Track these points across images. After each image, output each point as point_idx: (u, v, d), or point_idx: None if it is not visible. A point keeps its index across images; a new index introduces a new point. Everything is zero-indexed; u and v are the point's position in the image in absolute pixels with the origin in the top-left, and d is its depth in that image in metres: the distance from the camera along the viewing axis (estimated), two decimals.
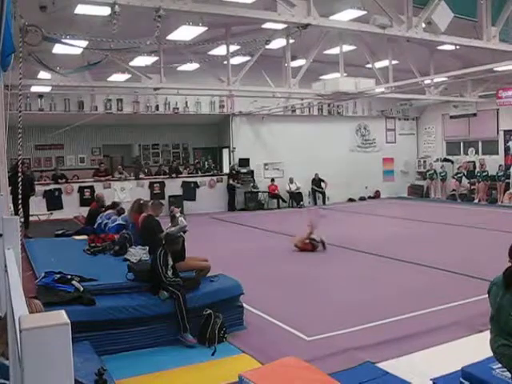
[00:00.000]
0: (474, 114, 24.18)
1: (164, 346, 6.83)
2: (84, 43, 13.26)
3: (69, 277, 7.04)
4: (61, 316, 1.13)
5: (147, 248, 8.79)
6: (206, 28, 14.04)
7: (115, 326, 6.64)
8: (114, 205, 12.63)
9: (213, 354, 6.63)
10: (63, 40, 11.72)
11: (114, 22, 7.47)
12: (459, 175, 24.74)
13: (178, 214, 8.59)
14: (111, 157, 24.08)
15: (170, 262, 7.37)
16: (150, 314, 6.88)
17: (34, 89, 17.03)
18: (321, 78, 19.79)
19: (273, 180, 23.69)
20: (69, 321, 1.11)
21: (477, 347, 6.32)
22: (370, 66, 17.58)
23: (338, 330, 7.45)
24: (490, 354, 5.08)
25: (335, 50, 17.29)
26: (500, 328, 4.07)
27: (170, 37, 14.34)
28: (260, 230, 17.44)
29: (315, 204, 24.40)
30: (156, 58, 15.99)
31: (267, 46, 15.46)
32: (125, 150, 24.45)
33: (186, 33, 14.34)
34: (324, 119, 25.16)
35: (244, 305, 7.81)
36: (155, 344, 6.81)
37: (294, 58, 17.17)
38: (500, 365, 4.60)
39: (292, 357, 5.95)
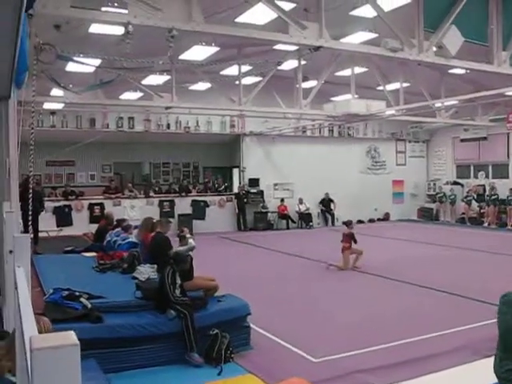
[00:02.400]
0: (485, 138, 24.15)
1: (170, 365, 6.80)
2: (97, 62, 13.42)
3: (77, 294, 7.04)
4: (70, 337, 1.14)
5: (155, 266, 8.79)
6: (218, 48, 14.16)
7: (122, 343, 6.62)
8: (120, 222, 12.66)
9: (219, 374, 6.60)
10: (76, 58, 11.89)
11: (128, 42, 7.55)
12: (469, 198, 24.64)
13: (188, 235, 8.60)
14: (121, 174, 24.18)
15: (178, 281, 7.37)
16: (157, 333, 6.86)
17: (47, 105, 17.19)
18: (332, 99, 19.87)
19: (282, 200, 23.69)
20: (78, 342, 1.13)
21: (483, 372, 6.24)
22: (381, 88, 17.62)
23: (345, 351, 7.41)
24: (495, 379, 5.01)
25: (347, 72, 17.37)
26: (508, 351, 3.95)
27: (183, 56, 14.47)
28: (269, 251, 17.40)
29: (326, 225, 24.36)
30: (168, 77, 16.14)
31: (279, 67, 15.59)
32: (135, 168, 24.57)
33: (198, 53, 14.47)
34: (334, 140, 25.20)
35: (251, 325, 7.77)
36: (162, 363, 6.78)
37: (305, 79, 17.25)
38: None
39: (298, 378, 5.92)
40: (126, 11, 7.28)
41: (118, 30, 9.57)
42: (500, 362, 4.01)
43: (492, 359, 6.15)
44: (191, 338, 6.84)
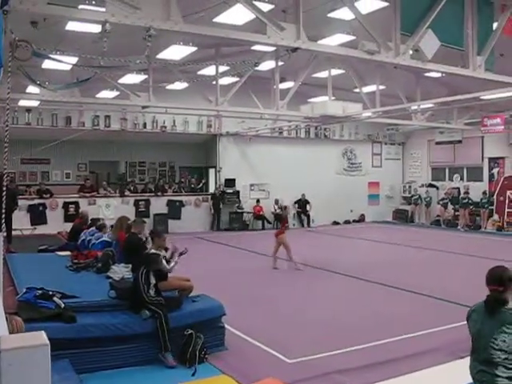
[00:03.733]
0: (460, 141, 24.45)
1: (144, 366, 6.77)
2: (74, 59, 13.28)
3: (50, 293, 6.97)
4: (41, 337, 1.13)
5: (130, 266, 8.73)
6: (195, 48, 14.11)
7: (95, 343, 6.57)
8: (95, 221, 12.57)
9: (193, 375, 6.58)
10: (53, 56, 11.76)
11: (105, 40, 7.50)
12: (445, 201, 24.92)
13: (176, 258, 8.22)
14: (97, 173, 24.00)
15: (153, 281, 7.34)
16: (131, 333, 6.83)
17: (22, 103, 17.00)
18: (309, 100, 19.94)
19: (258, 201, 23.72)
20: (48, 342, 1.12)
21: (457, 373, 6.35)
22: (357, 90, 17.74)
23: (320, 352, 7.45)
24: (470, 380, 5.09)
25: (324, 74, 17.45)
26: (478, 354, 4.11)
27: (160, 56, 14.39)
28: (244, 251, 17.42)
29: (301, 226, 24.44)
30: (145, 77, 16.06)
31: (256, 68, 15.58)
32: (111, 167, 24.40)
33: (175, 52, 14.40)
34: (311, 142, 25.30)
35: (226, 326, 7.77)
36: (135, 363, 6.76)
37: (282, 80, 17.31)
38: None
39: (272, 378, 5.94)
40: (103, 9, 7.22)
41: (96, 28, 9.51)
42: (473, 363, 4.17)
43: (465, 360, 6.29)
44: (165, 338, 6.82)
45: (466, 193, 23.71)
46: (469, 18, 9.81)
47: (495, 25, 10.28)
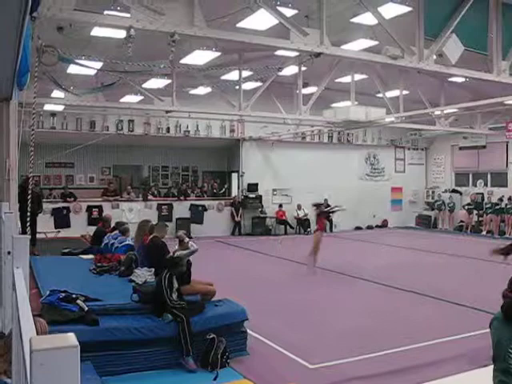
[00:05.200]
0: (484, 146, 24.19)
1: (166, 370, 6.80)
2: (99, 64, 13.43)
3: (73, 296, 7.03)
4: (70, 339, 1.15)
5: (153, 270, 8.78)
6: (219, 53, 14.20)
7: (118, 346, 6.62)
8: (118, 225, 12.65)
9: (215, 379, 6.60)
10: (78, 61, 11.91)
11: (129, 45, 7.58)
12: (469, 207, 24.66)
13: (186, 239, 8.59)
14: (120, 177, 24.19)
15: (175, 285, 7.37)
16: (153, 337, 6.86)
17: (47, 107, 17.21)
18: (332, 105, 19.90)
19: (281, 206, 23.70)
20: (78, 343, 1.14)
21: (481, 381, 6.27)
22: (381, 95, 17.66)
23: (342, 358, 7.42)
24: None
25: (347, 79, 17.40)
26: (498, 363, 3.99)
27: (184, 61, 14.50)
28: (266, 256, 17.41)
29: (324, 231, 24.28)
30: (169, 81, 16.17)
31: (279, 73, 15.61)
32: (134, 171, 24.58)
33: (199, 57, 14.51)
34: (334, 147, 25.23)
35: (248, 330, 7.77)
36: (157, 367, 6.79)
37: (305, 85, 17.27)
38: None
39: None
40: (128, 15, 7.30)
41: (120, 34, 9.60)
42: (494, 372, 4.05)
43: (488, 368, 6.20)
44: (187, 342, 6.84)
45: (501, 199, 23.44)
46: (493, 22, 9.74)
47: None
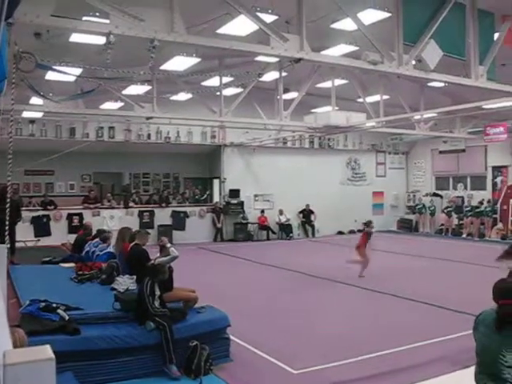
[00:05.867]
0: (463, 150, 24.45)
1: (149, 378, 6.74)
2: (78, 71, 13.32)
3: (54, 305, 6.96)
4: (45, 351, 1.12)
5: (135, 277, 8.73)
6: (199, 59, 14.16)
7: (100, 356, 6.55)
8: (99, 232, 12.55)
9: None
10: (56, 67, 11.79)
11: (109, 52, 7.52)
12: (449, 210, 24.88)
13: (168, 245, 8.55)
14: (101, 184, 24.01)
15: (158, 292, 7.32)
16: (136, 345, 6.80)
17: (26, 114, 17.03)
18: (312, 110, 19.96)
19: (263, 211, 23.70)
20: (53, 356, 1.11)
21: (463, 382, 6.32)
22: (361, 100, 17.76)
23: (325, 363, 7.41)
24: None
25: (327, 84, 17.47)
26: (485, 368, 3.94)
27: (164, 67, 14.43)
28: (249, 262, 17.38)
29: (306, 236, 24.42)
30: (149, 88, 16.10)
31: (260, 79, 15.62)
32: (115, 178, 24.42)
33: (179, 63, 14.44)
34: (315, 152, 25.32)
35: (231, 336, 7.75)
36: (140, 375, 6.73)
37: (286, 91, 17.33)
38: None
39: None
40: (107, 21, 7.25)
41: (100, 40, 9.54)
42: (479, 375, 4.02)
43: (470, 370, 6.24)
44: (170, 349, 6.79)
45: (481, 203, 23.70)
46: (470, 28, 9.84)
47: (496, 35, 10.30)
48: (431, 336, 8.56)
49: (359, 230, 26.28)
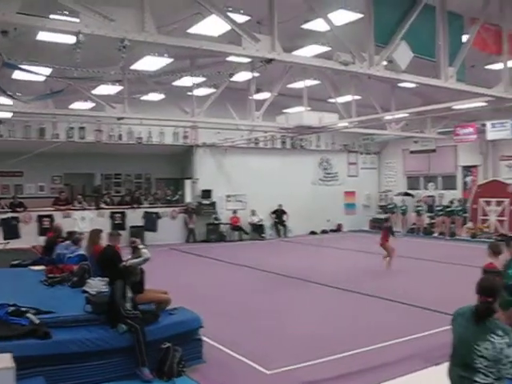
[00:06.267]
0: (434, 150, 24.72)
1: (121, 381, 6.66)
2: (47, 70, 13.13)
3: (23, 309, 6.84)
4: (6, 359, 1.08)
5: (106, 279, 8.62)
6: (171, 59, 14.08)
7: (71, 359, 6.46)
8: (70, 235, 12.38)
9: None
10: (23, 67, 11.60)
11: (78, 51, 7.42)
12: (419, 209, 25.15)
13: (140, 246, 8.47)
14: (72, 186, 23.70)
15: (129, 294, 7.26)
16: (108, 348, 6.72)
17: None
18: (285, 111, 19.99)
19: (235, 212, 23.67)
20: (13, 364, 1.07)
21: (434, 380, 6.42)
22: (333, 100, 17.85)
23: (298, 363, 7.42)
24: None
25: (299, 84, 17.52)
26: (459, 359, 4.17)
27: (135, 67, 14.32)
28: (221, 263, 17.34)
29: (278, 236, 24.45)
30: (120, 88, 15.95)
31: (232, 79, 15.62)
32: (86, 179, 24.11)
33: (151, 63, 14.36)
34: (287, 152, 25.39)
35: (204, 338, 7.71)
36: (112, 378, 6.65)
37: (258, 91, 17.34)
38: None
39: None
40: (77, 20, 7.15)
41: (69, 39, 9.40)
42: (453, 367, 4.23)
43: (441, 367, 6.37)
44: (142, 352, 6.73)
45: (451, 202, 24.01)
46: (440, 30, 9.94)
47: (466, 37, 10.43)
48: (404, 334, 8.65)
49: (331, 230, 26.59)
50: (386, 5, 9.28)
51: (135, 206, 21.91)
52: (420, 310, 10.47)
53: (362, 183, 28.16)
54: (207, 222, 23.17)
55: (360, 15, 10.49)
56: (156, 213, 21.96)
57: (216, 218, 23.36)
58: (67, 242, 11.97)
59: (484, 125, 20.14)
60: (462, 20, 10.45)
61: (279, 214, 24.67)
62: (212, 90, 16.95)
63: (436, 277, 14.19)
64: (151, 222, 21.67)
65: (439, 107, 14.55)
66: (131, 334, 6.82)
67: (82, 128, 20.67)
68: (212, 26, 10.73)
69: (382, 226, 16.18)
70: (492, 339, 3.96)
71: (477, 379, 4.01)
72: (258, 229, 24.02)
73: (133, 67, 14.26)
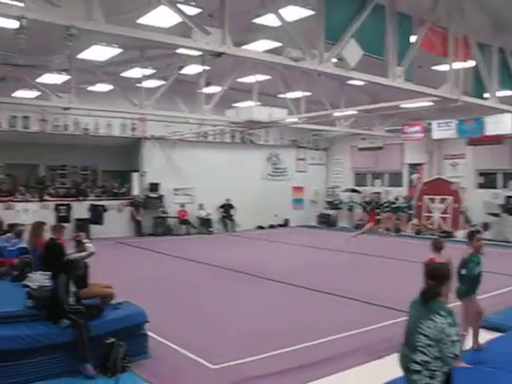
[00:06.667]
0: (381, 148, 25.13)
1: (63, 377, 6.53)
2: None
3: None
4: None
5: (49, 273, 8.41)
6: (120, 50, 13.82)
7: (12, 357, 6.29)
8: (12, 227, 12.03)
9: None
10: None
11: (22, 37, 7.17)
12: (365, 205, 25.58)
13: (84, 240, 8.30)
14: (15, 176, 23.00)
15: (73, 289, 7.11)
16: (49, 344, 6.57)
17: None
18: (235, 105, 19.94)
19: (183, 205, 23.52)
20: None
21: (377, 372, 6.54)
22: (283, 96, 17.90)
23: (244, 357, 7.44)
24: (388, 379, 5.22)
25: (250, 79, 17.50)
26: (406, 338, 4.56)
27: (82, 56, 13.99)
28: (169, 257, 17.20)
29: (226, 230, 24.43)
30: (67, 77, 15.56)
31: (183, 71, 15.46)
32: (30, 170, 23.43)
33: (99, 53, 14.04)
34: (236, 147, 25.38)
35: (149, 333, 7.63)
36: (55, 375, 6.52)
37: (208, 85, 17.22)
38: None
39: None
40: (21, 4, 6.90)
41: (11, 24, 9.08)
42: (401, 347, 4.63)
43: (384, 360, 6.58)
44: (85, 347, 6.60)
45: (396, 198, 24.50)
46: (389, 30, 10.06)
47: (414, 38, 10.59)
48: (348, 329, 8.77)
49: (279, 225, 26.74)
50: (337, 3, 9.32)
51: (81, 198, 21.50)
52: (365, 304, 10.63)
53: (310, 179, 28.41)
54: (154, 216, 22.95)
55: (311, 12, 10.52)
56: (102, 205, 21.60)
57: (163, 212, 23.17)
58: (8, 234, 11.63)
59: (430, 124, 20.58)
60: (411, 21, 10.61)
61: (227, 208, 24.67)
62: (161, 82, 16.72)
63: (381, 272, 14.43)
64: (97, 215, 21.30)
65: (387, 105, 14.79)
66: (74, 329, 6.69)
67: (25, 117, 20.10)
68: (163, 17, 10.59)
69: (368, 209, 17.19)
70: (435, 319, 4.29)
71: (415, 357, 4.36)
72: (205, 223, 23.96)
73: (80, 56, 13.93)
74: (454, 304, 8.45)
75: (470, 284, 7.37)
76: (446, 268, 4.92)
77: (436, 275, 4.64)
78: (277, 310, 10.31)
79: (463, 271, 7.39)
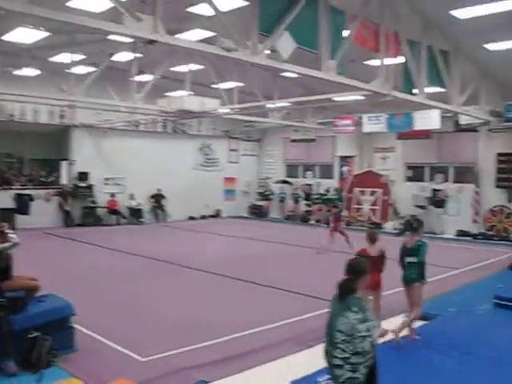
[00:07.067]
0: (313, 140, 25.41)
1: None
2: None
3: None
4: None
5: None
6: (48, 33, 13.35)
7: None
8: None
9: (38, 381, 6.19)
10: None
11: None
12: (297, 197, 25.87)
13: (7, 230, 7.98)
14: None
15: None
16: None
17: None
18: (166, 94, 19.69)
19: (113, 195, 23.09)
20: None
21: (306, 362, 6.64)
22: (216, 86, 17.81)
23: (174, 349, 7.39)
24: (318, 367, 5.29)
25: (183, 68, 17.32)
26: (327, 334, 4.56)
27: (6, 38, 13.43)
28: (98, 248, 16.86)
29: (157, 221, 24.17)
30: None
31: (114, 58, 15.12)
32: None
33: (24, 36, 13.51)
34: (168, 136, 25.14)
35: (77, 326, 7.46)
36: None
37: (140, 73, 16.92)
38: (326, 377, 5.16)
39: (123, 379, 5.80)
40: None
41: None
42: (325, 344, 4.61)
43: (313, 350, 6.69)
44: (6, 343, 6.35)
45: (327, 190, 24.87)
46: (323, 23, 10.14)
47: (347, 32, 10.73)
48: (278, 318, 8.87)
49: (211, 216, 26.69)
50: None
51: (5, 187, 20.71)
52: (295, 295, 10.76)
53: (242, 170, 28.47)
54: (83, 206, 22.43)
55: (246, 3, 10.51)
56: (29, 195, 20.86)
57: (93, 202, 22.66)
58: None
59: (361, 118, 20.97)
60: (344, 16, 10.74)
61: (158, 198, 24.42)
62: (92, 69, 16.30)
63: (313, 264, 14.63)
64: (23, 205, 20.57)
65: (319, 98, 14.95)
66: None
67: None
68: (94, 1, 10.31)
69: (331, 213, 17.14)
70: (347, 314, 4.34)
71: (335, 354, 4.40)
72: (136, 213, 23.63)
73: (4, 38, 13.36)
74: (395, 290, 8.81)
75: (422, 269, 7.74)
76: (363, 262, 4.95)
77: (354, 269, 4.67)
78: (207, 301, 10.29)
79: (410, 259, 7.72)
